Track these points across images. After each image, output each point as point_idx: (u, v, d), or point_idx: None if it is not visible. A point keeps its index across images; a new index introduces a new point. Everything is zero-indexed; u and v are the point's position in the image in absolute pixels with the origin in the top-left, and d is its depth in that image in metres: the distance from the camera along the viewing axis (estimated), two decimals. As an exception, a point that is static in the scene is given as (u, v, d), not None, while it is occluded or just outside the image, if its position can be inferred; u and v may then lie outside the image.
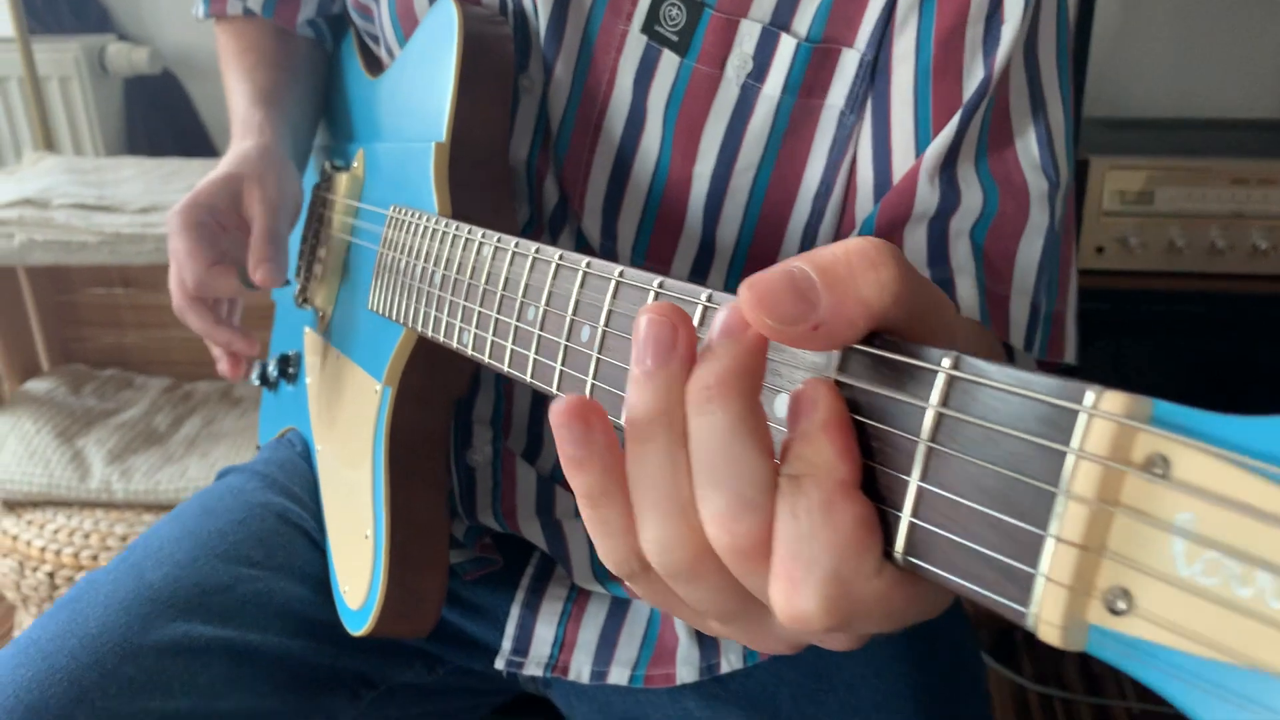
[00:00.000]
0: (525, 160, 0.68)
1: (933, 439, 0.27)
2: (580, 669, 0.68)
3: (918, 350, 0.28)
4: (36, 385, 1.68)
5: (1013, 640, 1.60)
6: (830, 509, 0.27)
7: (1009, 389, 0.26)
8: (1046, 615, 0.24)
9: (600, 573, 0.69)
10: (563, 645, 0.69)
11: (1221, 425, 0.22)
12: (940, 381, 0.27)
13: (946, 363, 0.27)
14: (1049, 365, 0.65)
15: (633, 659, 0.67)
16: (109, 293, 1.74)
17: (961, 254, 0.61)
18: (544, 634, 0.69)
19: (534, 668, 0.69)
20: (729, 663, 0.65)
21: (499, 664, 0.69)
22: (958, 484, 0.26)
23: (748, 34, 0.61)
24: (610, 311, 0.40)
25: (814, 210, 0.65)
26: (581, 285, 0.42)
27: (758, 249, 0.67)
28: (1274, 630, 0.20)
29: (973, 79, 0.59)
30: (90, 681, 0.60)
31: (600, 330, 0.40)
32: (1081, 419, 0.24)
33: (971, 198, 0.61)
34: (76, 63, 1.80)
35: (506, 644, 0.70)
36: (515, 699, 0.80)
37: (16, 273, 1.66)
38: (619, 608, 0.69)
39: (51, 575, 1.46)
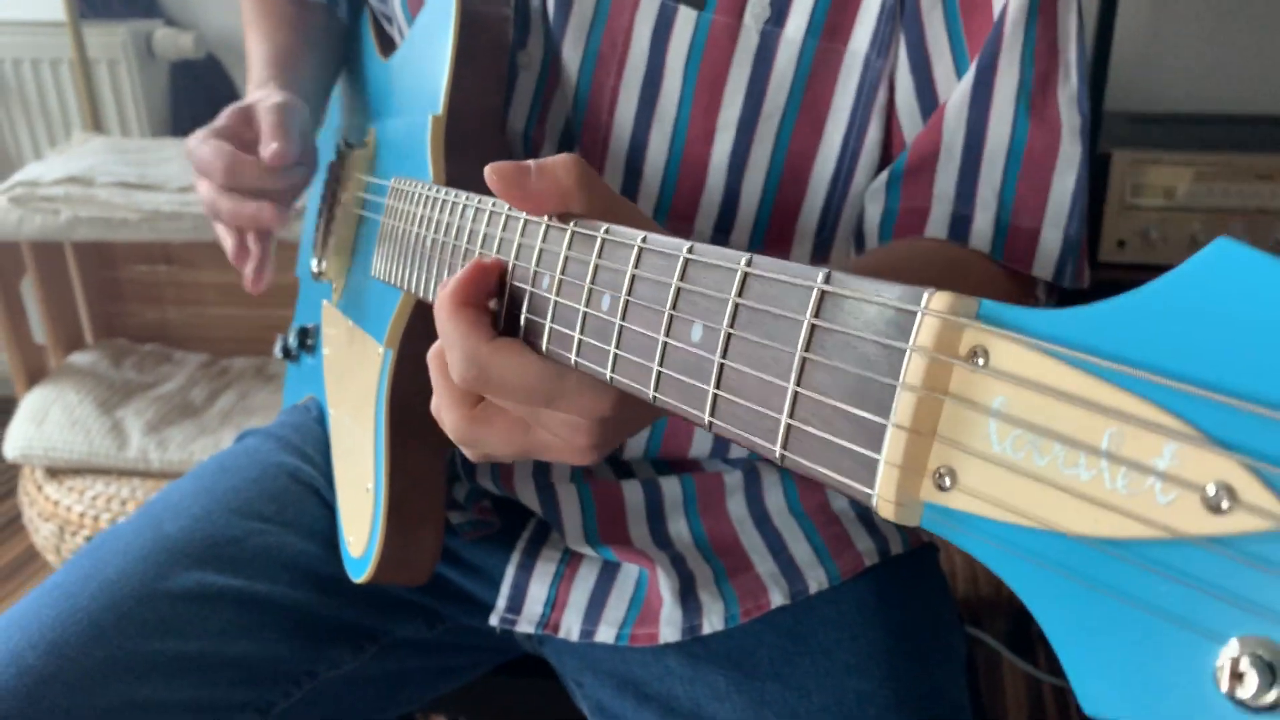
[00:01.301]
0: (522, 133, 0.70)
1: (806, 349, 0.30)
2: (570, 627, 0.71)
3: (799, 269, 0.32)
4: (80, 358, 1.74)
5: (1029, 633, 1.61)
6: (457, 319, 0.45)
7: (865, 298, 0.29)
8: (884, 493, 0.27)
9: (591, 537, 0.72)
10: (554, 604, 0.72)
11: (1033, 318, 0.24)
12: (814, 296, 0.30)
13: (820, 278, 0.30)
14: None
15: (620, 619, 0.70)
16: (151, 270, 1.80)
17: (988, 190, 0.62)
18: (537, 593, 0.72)
19: (526, 625, 0.72)
20: (710, 624, 0.67)
21: (493, 620, 0.72)
22: (825, 386, 0.30)
23: None
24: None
25: (840, 157, 0.67)
26: (543, 237, 0.45)
27: (782, 200, 0.68)
28: (1063, 494, 0.23)
29: (997, 9, 0.61)
30: (108, 622, 0.64)
31: (558, 279, 0.43)
32: (918, 318, 0.27)
33: (999, 133, 0.62)
34: (124, 46, 1.86)
35: (501, 602, 0.73)
36: (514, 660, 0.83)
37: (64, 249, 1.72)
38: (609, 571, 0.72)
39: (89, 540, 1.52)
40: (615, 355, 0.40)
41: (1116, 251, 1.45)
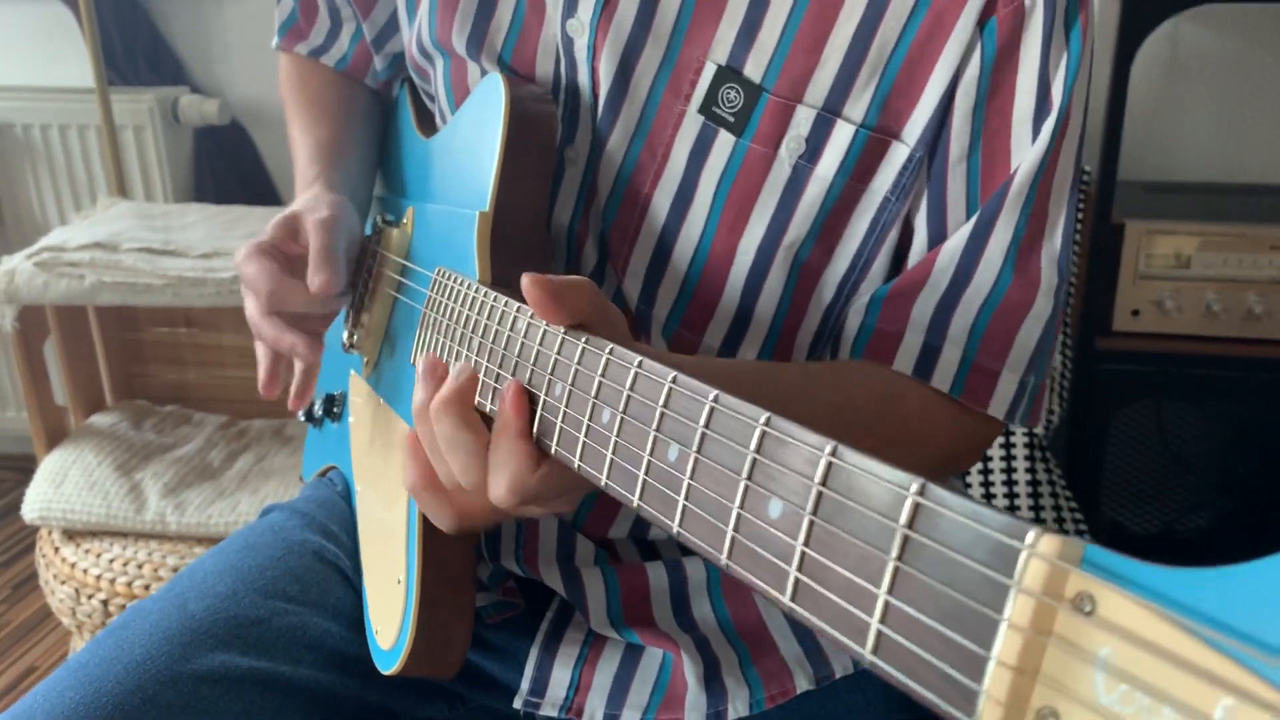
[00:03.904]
0: (567, 226, 0.72)
1: (899, 558, 0.30)
2: (594, 711, 0.70)
3: (889, 472, 0.31)
4: (101, 419, 1.75)
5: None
6: (511, 448, 0.50)
7: (965, 520, 0.29)
8: None
9: (616, 619, 0.72)
10: (578, 688, 0.72)
11: (1142, 572, 0.25)
12: (908, 505, 0.30)
13: (914, 488, 0.30)
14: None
15: (644, 704, 0.70)
16: (172, 332, 1.82)
17: (959, 328, 0.64)
18: (560, 676, 0.72)
19: (550, 708, 0.72)
20: (735, 709, 0.67)
21: (517, 703, 0.72)
22: (918, 600, 0.29)
23: (804, 118, 0.65)
24: (629, 397, 0.44)
25: (842, 284, 0.69)
26: (604, 370, 0.46)
27: (789, 322, 0.70)
28: None
29: (1013, 168, 0.64)
30: (133, 706, 0.64)
31: (619, 416, 0.44)
32: (1022, 555, 0.27)
33: (984, 279, 0.65)
34: (150, 113, 1.89)
35: (525, 684, 0.73)
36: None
37: (86, 312, 1.74)
38: (633, 654, 0.72)
39: (105, 603, 1.52)
40: (684, 508, 0.40)
41: (1131, 321, 1.46)
